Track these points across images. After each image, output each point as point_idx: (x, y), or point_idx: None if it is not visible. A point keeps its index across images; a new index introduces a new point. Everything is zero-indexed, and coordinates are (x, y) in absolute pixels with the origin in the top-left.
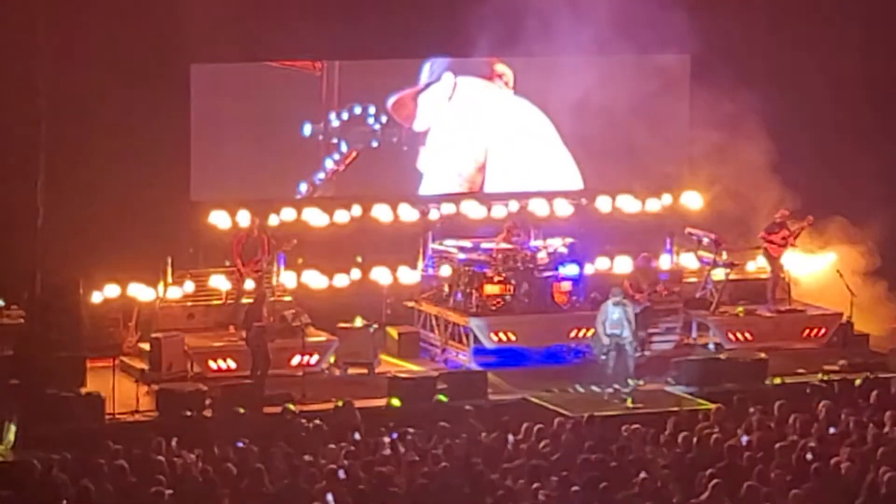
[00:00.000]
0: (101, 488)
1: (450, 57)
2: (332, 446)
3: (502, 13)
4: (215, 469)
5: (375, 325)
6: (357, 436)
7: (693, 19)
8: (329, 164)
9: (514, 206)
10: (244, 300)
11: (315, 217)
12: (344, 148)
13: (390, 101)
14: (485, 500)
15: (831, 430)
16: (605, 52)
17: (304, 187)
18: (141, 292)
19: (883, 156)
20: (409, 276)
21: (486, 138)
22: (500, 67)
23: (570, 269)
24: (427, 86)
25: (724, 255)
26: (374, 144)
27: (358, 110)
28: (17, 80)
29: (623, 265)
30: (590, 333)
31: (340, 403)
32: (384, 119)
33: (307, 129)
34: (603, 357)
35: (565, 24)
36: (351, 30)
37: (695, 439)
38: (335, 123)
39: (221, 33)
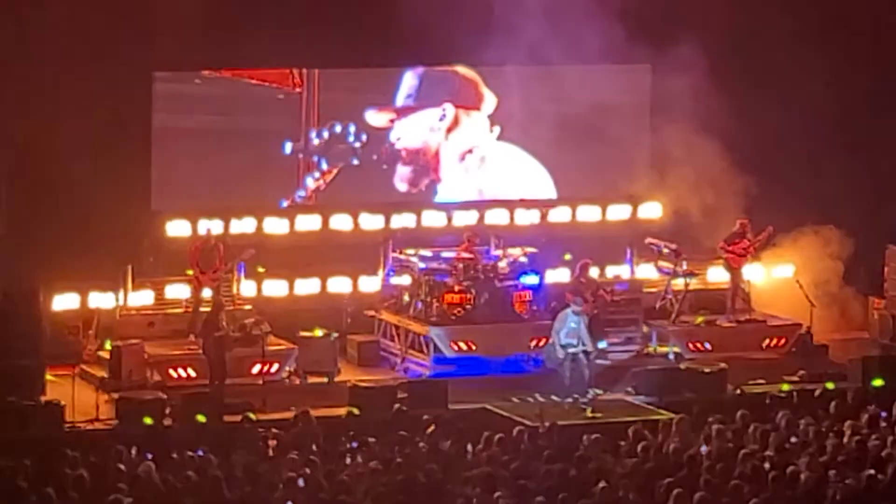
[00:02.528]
0: (61, 496)
1: (421, 66)
2: (288, 455)
3: (470, 22)
4: (175, 477)
5: (336, 334)
6: (315, 447)
7: (653, 29)
8: (310, 182)
9: (475, 215)
10: (202, 309)
11: (276, 226)
12: (324, 166)
13: (370, 113)
14: None
15: (793, 440)
16: (567, 62)
17: (285, 205)
18: (101, 300)
19: (847, 165)
20: (369, 284)
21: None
22: (488, 95)
23: (531, 279)
24: (418, 107)
25: (684, 265)
26: (355, 162)
27: (338, 129)
28: None
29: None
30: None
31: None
32: (364, 137)
33: (288, 148)
34: (558, 367)
35: (531, 33)
36: (321, 38)
37: (654, 449)
38: (315, 142)
39: (186, 41)
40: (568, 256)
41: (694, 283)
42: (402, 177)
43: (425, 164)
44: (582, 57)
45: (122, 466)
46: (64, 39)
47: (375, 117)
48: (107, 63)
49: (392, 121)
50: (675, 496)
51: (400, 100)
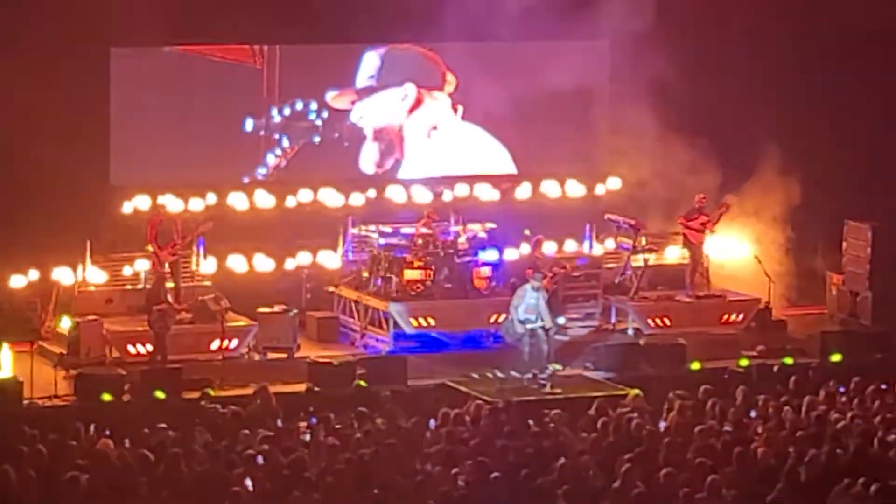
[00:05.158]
0: (19, 473)
1: (381, 45)
2: (247, 432)
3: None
4: (133, 454)
5: (295, 310)
6: (279, 422)
7: (610, 4)
8: (271, 159)
9: (434, 191)
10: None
11: (236, 202)
12: (286, 143)
13: (330, 95)
14: (404, 485)
15: (752, 414)
16: (526, 38)
17: (246, 182)
18: (59, 276)
19: (806, 140)
20: (329, 260)
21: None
22: (449, 75)
23: (490, 255)
24: (380, 87)
25: (644, 241)
26: (316, 140)
27: (299, 106)
28: None
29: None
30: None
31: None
32: (325, 115)
33: (249, 125)
34: (517, 343)
35: (490, 11)
36: (281, 14)
37: (613, 424)
38: (277, 119)
39: (144, 16)
40: (527, 232)
41: (653, 259)
42: (368, 157)
43: (389, 143)
44: (540, 33)
45: (80, 443)
46: (20, 15)
47: (336, 100)
48: (64, 38)
49: (353, 102)
50: (628, 471)
51: (361, 81)
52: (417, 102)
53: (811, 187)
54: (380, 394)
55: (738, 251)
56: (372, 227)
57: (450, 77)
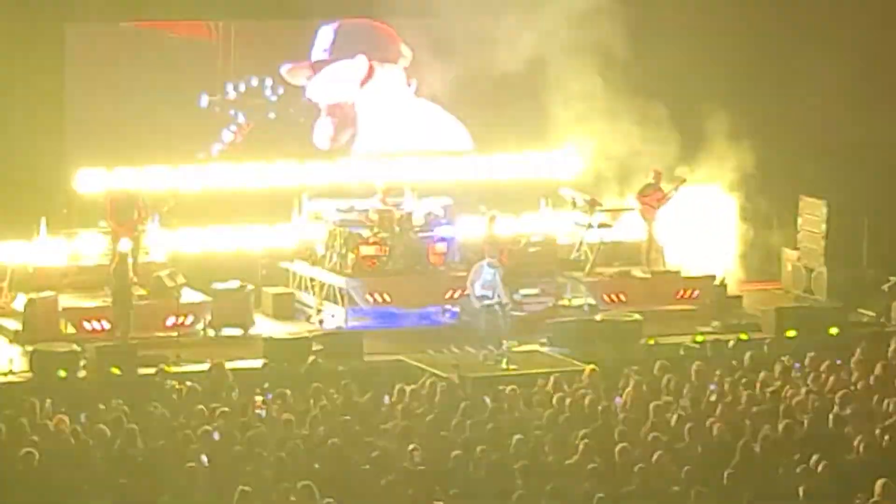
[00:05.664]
0: None
1: (336, 19)
2: (203, 408)
3: None
4: (89, 430)
5: (251, 286)
6: (235, 398)
7: None
8: (226, 135)
9: (389, 166)
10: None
11: (191, 178)
12: (241, 119)
13: (285, 69)
14: (360, 461)
15: (712, 387)
16: (480, 14)
17: (201, 157)
18: (14, 253)
19: (762, 117)
20: (284, 236)
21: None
22: (404, 49)
23: (446, 231)
24: (334, 60)
25: (599, 216)
26: (272, 116)
27: (255, 82)
28: None
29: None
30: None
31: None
32: (281, 91)
33: (204, 101)
34: (473, 319)
35: None
36: None
37: (569, 400)
38: (232, 95)
39: None
40: (483, 208)
41: (608, 234)
42: (322, 132)
43: (343, 117)
44: (494, 9)
45: (35, 419)
46: None
47: (291, 73)
48: (18, 14)
49: (308, 77)
50: (589, 447)
51: (315, 54)
52: (370, 75)
53: (766, 161)
54: (335, 370)
55: (692, 224)
56: (327, 203)
57: (405, 50)
